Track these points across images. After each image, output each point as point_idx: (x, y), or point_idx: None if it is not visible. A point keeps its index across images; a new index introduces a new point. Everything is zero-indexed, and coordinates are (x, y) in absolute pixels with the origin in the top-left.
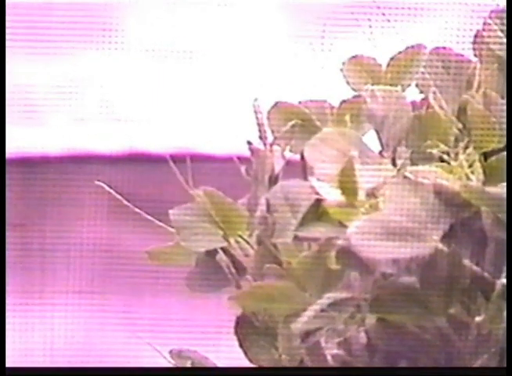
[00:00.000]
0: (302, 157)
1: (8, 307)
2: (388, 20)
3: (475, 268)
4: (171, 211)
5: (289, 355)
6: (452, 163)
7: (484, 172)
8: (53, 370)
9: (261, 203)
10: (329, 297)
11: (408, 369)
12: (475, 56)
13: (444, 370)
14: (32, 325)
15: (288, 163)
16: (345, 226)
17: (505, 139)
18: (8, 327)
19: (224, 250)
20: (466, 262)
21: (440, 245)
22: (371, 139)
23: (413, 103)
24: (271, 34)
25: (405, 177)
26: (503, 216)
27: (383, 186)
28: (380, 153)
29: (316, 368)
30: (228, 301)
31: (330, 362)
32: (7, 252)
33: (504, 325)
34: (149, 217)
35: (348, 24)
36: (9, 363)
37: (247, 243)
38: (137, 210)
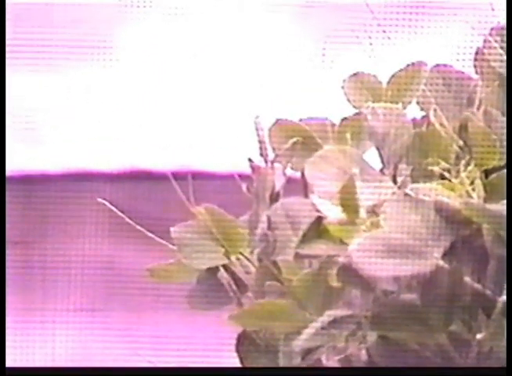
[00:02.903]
0: (303, 175)
1: (9, 324)
2: (389, 38)
3: (476, 285)
4: (172, 229)
5: None
6: (453, 180)
7: (485, 190)
8: (53, 370)
9: (262, 220)
10: (329, 314)
11: (408, 369)
12: (476, 73)
13: (444, 371)
14: (33, 343)
15: (289, 180)
16: (346, 244)
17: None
18: (9, 344)
19: (225, 267)
20: (467, 279)
21: (441, 262)
22: (372, 157)
23: (414, 121)
24: (272, 51)
25: (405, 194)
26: (504, 233)
27: (383, 203)
28: (381, 170)
29: (315, 368)
30: (229, 320)
31: None
32: (8, 270)
33: (505, 342)
34: (151, 234)
35: (349, 42)
36: None
37: (248, 260)
38: (138, 227)
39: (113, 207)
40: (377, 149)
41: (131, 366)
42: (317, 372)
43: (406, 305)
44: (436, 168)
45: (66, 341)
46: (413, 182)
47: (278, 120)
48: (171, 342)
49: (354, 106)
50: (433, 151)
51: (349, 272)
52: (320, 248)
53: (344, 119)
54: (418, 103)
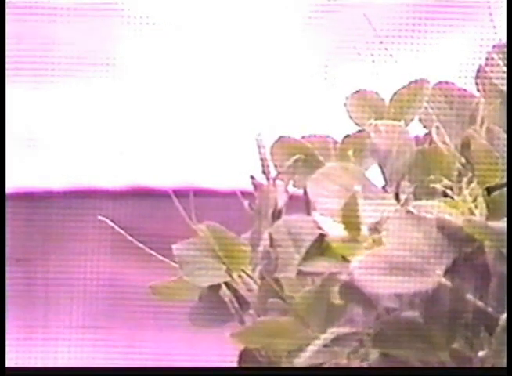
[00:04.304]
0: (305, 192)
1: (11, 342)
2: (391, 55)
3: (478, 303)
4: (174, 246)
5: None
6: (456, 198)
7: (488, 207)
8: (53, 370)
9: (264, 238)
10: (332, 332)
11: (408, 369)
12: (478, 90)
13: (444, 371)
14: (35, 360)
15: (291, 198)
16: (348, 261)
17: None
18: (11, 361)
19: (227, 285)
20: (470, 296)
21: (443, 280)
22: (374, 174)
23: (416, 138)
24: (274, 68)
25: (408, 212)
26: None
27: (386, 220)
28: (384, 187)
29: (315, 368)
30: (231, 338)
31: None
32: (10, 287)
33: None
34: (153, 252)
35: (351, 59)
36: None
37: (250, 278)
38: (140, 245)
39: (114, 225)
40: (380, 166)
41: (131, 367)
42: (317, 372)
43: (408, 323)
44: (438, 186)
45: (69, 358)
46: (416, 199)
47: (280, 137)
48: (173, 359)
49: (356, 124)
50: (435, 169)
51: (351, 290)
52: (322, 266)
53: (347, 136)
54: (420, 120)
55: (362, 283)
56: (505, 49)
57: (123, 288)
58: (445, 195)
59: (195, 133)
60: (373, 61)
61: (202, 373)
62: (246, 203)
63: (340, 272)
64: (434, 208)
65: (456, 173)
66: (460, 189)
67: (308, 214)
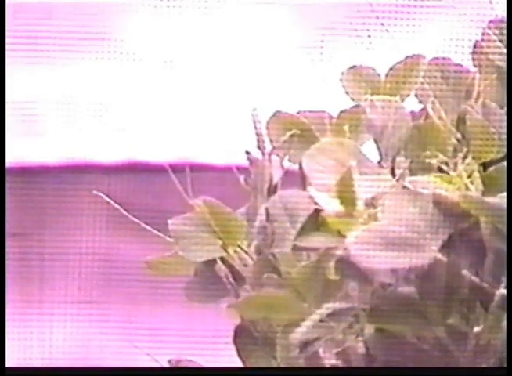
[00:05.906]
0: (301, 167)
1: (7, 316)
2: (387, 30)
3: (474, 278)
4: (170, 221)
5: (287, 365)
6: (451, 173)
7: (483, 182)
8: (53, 370)
9: (260, 213)
10: (327, 307)
11: (408, 369)
12: (474, 66)
13: (444, 371)
14: (31, 335)
15: (287, 173)
16: (344, 236)
17: (504, 149)
18: (7, 336)
19: (223, 260)
20: (465, 272)
21: (439, 255)
22: (370, 149)
23: (412, 113)
24: (270, 44)
25: (404, 187)
26: (502, 226)
27: (381, 196)
28: (379, 163)
29: (314, 368)
30: (227, 310)
31: None
32: (6, 261)
33: (503, 335)
34: (148, 227)
35: (347, 34)
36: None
37: (246, 253)
38: (136, 220)
39: (109, 200)
40: (375, 141)
41: (132, 367)
42: (317, 372)
43: (404, 298)
44: (434, 161)
45: (64, 333)
46: (411, 174)
47: (276, 112)
48: (169, 334)
49: (352, 99)
50: (431, 144)
51: (347, 265)
52: (318, 241)
53: (342, 111)
54: (416, 95)
55: (357, 259)
56: (501, 24)
57: (118, 263)
58: (441, 170)
59: (191, 108)
60: (369, 36)
61: (202, 373)
62: (241, 178)
63: (336, 248)
64: (430, 184)
65: (451, 148)
66: (456, 164)
67: (304, 189)
